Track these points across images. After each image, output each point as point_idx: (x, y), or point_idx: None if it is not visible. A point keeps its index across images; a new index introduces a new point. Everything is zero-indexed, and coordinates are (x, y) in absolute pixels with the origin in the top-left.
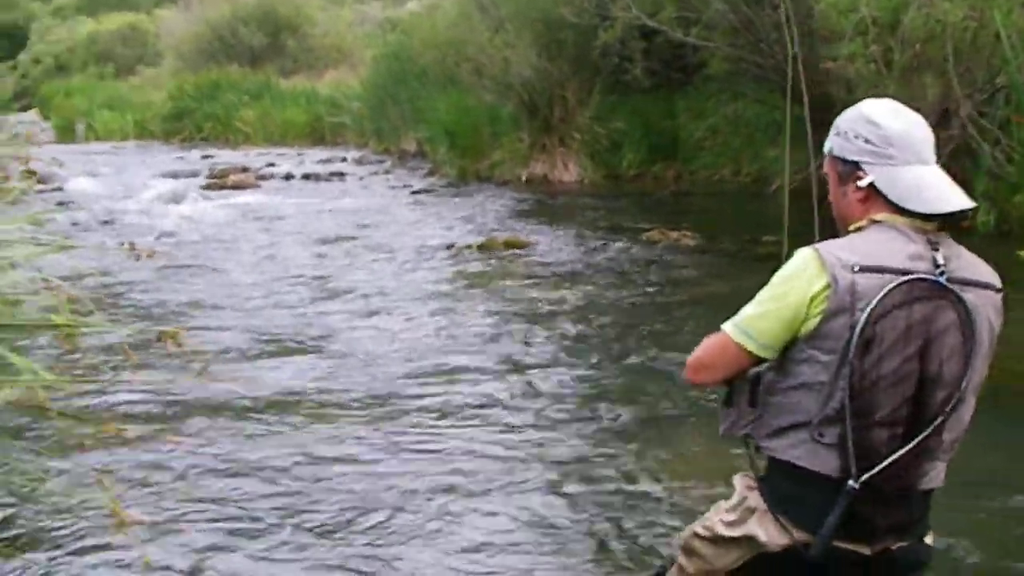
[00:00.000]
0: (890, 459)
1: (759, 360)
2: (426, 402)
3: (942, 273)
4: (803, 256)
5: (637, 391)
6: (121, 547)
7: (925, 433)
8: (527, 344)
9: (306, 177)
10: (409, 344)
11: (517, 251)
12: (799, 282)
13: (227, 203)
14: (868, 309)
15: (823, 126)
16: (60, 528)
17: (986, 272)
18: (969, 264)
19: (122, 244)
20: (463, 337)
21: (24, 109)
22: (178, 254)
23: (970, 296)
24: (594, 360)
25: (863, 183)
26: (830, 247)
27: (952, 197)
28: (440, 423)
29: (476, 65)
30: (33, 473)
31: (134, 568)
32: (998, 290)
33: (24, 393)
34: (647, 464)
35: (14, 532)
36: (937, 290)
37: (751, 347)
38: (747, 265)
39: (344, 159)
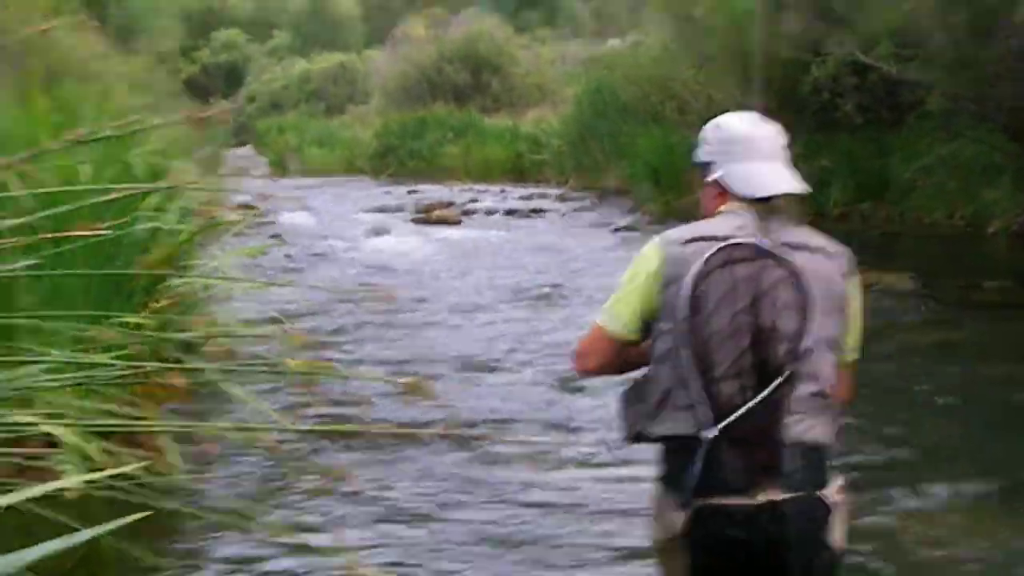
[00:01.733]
0: (742, 410)
1: (624, 343)
2: None
3: (763, 239)
4: (648, 244)
5: (871, 441)
6: None
7: (776, 383)
8: None
9: (508, 213)
10: None
11: None
12: (643, 264)
13: (433, 238)
14: (693, 272)
15: None
16: None
17: (823, 241)
18: (801, 234)
19: (363, 285)
20: None
21: (241, 145)
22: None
23: (797, 257)
24: None
25: (710, 178)
26: (669, 231)
27: (778, 184)
28: None
29: (680, 102)
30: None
31: None
32: (837, 254)
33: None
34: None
35: None
36: (760, 252)
37: (613, 329)
38: (969, 312)
39: (545, 195)
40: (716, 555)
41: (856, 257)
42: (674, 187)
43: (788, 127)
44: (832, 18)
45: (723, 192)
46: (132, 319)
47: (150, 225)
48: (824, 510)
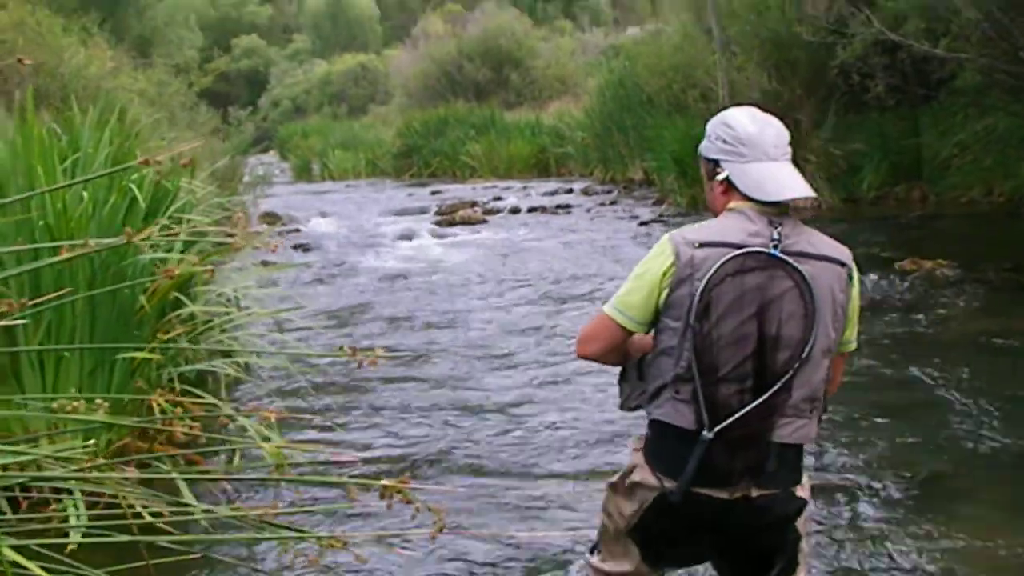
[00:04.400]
0: (740, 412)
1: (628, 334)
2: None
3: (776, 246)
4: (660, 241)
5: (922, 450)
6: None
7: (773, 390)
8: None
9: (533, 210)
10: None
11: None
12: (655, 262)
13: (457, 241)
14: (706, 278)
15: None
16: None
17: (829, 248)
18: (810, 241)
19: (340, 348)
20: None
21: (264, 151)
22: (414, 316)
23: (807, 267)
24: (870, 411)
25: (720, 177)
26: (682, 231)
27: (789, 187)
28: None
29: (703, 90)
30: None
31: None
32: (842, 264)
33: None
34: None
35: None
36: (771, 261)
37: (622, 321)
38: (1018, 298)
39: (570, 190)
40: (674, 525)
41: (893, 243)
42: (700, 179)
43: (816, 111)
44: None
45: (729, 189)
46: (140, 355)
47: (151, 256)
48: (796, 503)
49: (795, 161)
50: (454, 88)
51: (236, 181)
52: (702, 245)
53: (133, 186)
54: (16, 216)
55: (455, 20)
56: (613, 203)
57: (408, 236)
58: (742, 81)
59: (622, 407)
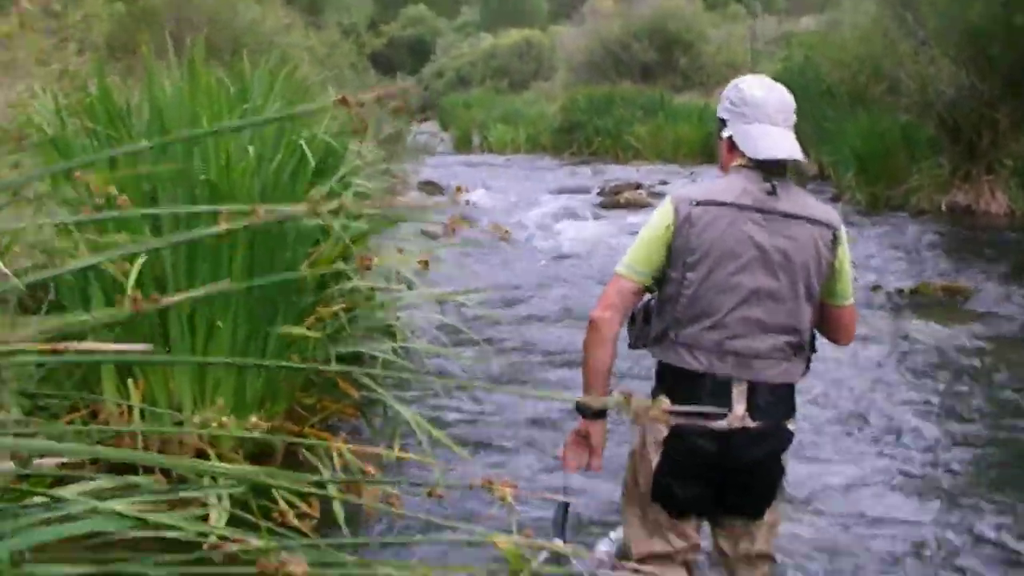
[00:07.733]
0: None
1: (647, 289)
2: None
3: (767, 203)
4: (664, 201)
5: None
6: None
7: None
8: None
9: None
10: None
11: (958, 299)
12: (659, 219)
13: (622, 224)
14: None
15: None
16: None
17: (818, 211)
18: (800, 203)
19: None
20: (908, 408)
21: (425, 120)
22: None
23: (793, 225)
24: None
25: (724, 134)
26: (683, 190)
27: (782, 148)
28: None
29: (891, 83)
30: None
31: None
32: (828, 226)
33: None
34: None
35: None
36: (761, 216)
37: (629, 274)
38: None
39: None
40: (687, 461)
41: None
42: (882, 176)
43: (1017, 111)
44: None
45: (733, 147)
46: (298, 331)
47: (316, 222)
48: (787, 435)
49: (990, 165)
50: (619, 68)
51: (400, 147)
52: (699, 203)
53: (303, 143)
54: (178, 165)
55: None
56: None
57: (572, 215)
58: (935, 75)
59: (630, 347)
